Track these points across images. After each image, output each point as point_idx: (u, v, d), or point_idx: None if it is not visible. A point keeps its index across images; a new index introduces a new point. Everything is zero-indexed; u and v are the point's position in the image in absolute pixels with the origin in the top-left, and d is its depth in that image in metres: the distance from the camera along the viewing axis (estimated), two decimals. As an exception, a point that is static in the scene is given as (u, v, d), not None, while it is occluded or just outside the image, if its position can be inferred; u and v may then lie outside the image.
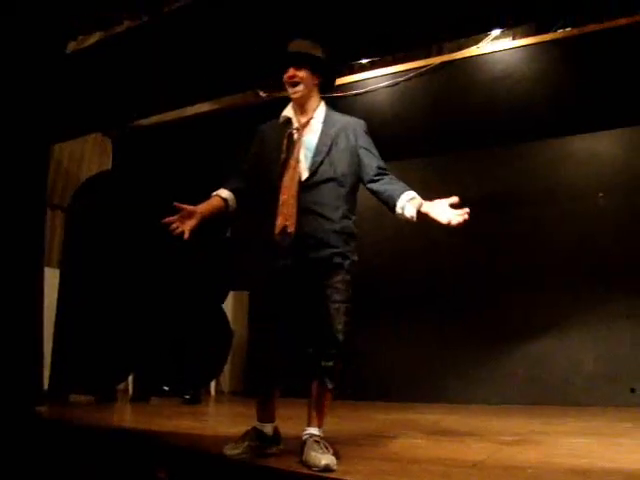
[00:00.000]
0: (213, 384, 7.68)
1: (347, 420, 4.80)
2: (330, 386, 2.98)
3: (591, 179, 6.21)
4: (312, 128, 3.10)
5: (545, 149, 6.29)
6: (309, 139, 3.08)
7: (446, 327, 6.49)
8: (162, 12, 5.18)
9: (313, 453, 2.84)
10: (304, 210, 2.94)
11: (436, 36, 4.54)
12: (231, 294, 7.53)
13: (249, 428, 3.12)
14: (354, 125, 3.15)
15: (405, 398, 6.29)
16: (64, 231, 7.08)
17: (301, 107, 3.13)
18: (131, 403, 6.50)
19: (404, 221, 2.99)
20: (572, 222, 6.18)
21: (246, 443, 3.04)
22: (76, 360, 6.19)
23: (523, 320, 6.22)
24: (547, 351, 6.14)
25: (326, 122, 3.12)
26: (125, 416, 5.54)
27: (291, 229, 2.91)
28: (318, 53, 3.10)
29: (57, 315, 6.33)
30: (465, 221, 2.78)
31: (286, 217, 2.93)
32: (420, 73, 5.82)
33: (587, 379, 5.92)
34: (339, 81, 6.37)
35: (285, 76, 3.09)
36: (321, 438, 2.96)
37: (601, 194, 6.09)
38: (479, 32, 5.32)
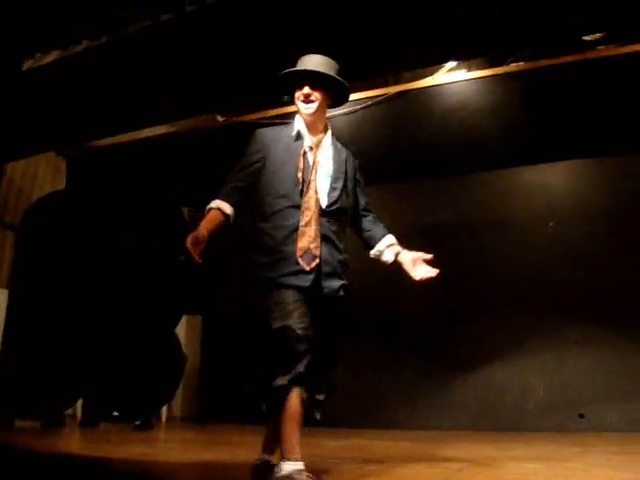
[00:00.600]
0: (165, 410, 7.56)
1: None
2: (318, 418, 2.96)
3: (542, 209, 6.35)
4: (324, 150, 3.07)
5: (497, 179, 6.42)
6: (324, 162, 3.04)
7: (398, 354, 6.51)
8: (122, 33, 5.17)
9: None
10: (322, 237, 2.92)
11: (394, 66, 4.63)
12: (184, 318, 7.45)
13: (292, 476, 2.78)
14: (352, 158, 3.19)
15: (354, 424, 6.27)
16: (14, 250, 6.93)
17: (312, 124, 3.06)
18: (80, 428, 6.36)
19: (376, 260, 3.13)
20: (523, 251, 6.30)
21: None
22: (23, 383, 6.04)
23: (475, 348, 6.28)
24: (499, 378, 6.22)
25: (334, 145, 3.12)
26: (73, 442, 5.40)
27: (316, 252, 2.88)
28: (334, 72, 3.02)
29: (4, 336, 6.18)
30: (430, 279, 2.93)
31: (310, 240, 2.89)
32: (378, 102, 5.91)
33: (538, 405, 6.00)
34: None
35: (299, 93, 3.00)
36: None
37: (551, 224, 6.23)
38: (435, 64, 5.45)
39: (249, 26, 4.58)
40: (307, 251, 2.87)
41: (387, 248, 3.11)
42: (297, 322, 2.79)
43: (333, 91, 3.06)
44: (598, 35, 5.43)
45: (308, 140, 3.03)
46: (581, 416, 5.84)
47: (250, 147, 3.07)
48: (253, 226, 3.01)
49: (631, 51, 5.54)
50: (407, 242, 3.12)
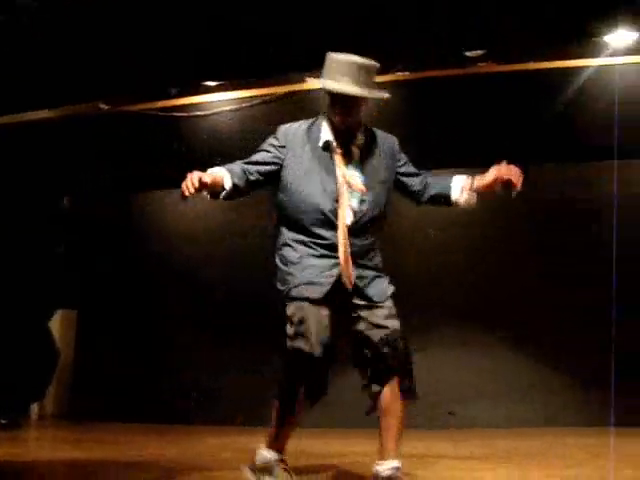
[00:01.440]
0: (35, 407, 7.25)
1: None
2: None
3: (427, 214, 6.49)
4: (355, 157, 2.85)
5: None
6: (354, 174, 2.82)
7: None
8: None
9: None
10: (355, 263, 2.77)
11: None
12: (59, 312, 7.18)
13: (270, 464, 2.81)
14: (391, 144, 2.96)
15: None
16: None
17: (344, 131, 2.84)
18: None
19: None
20: (415, 254, 6.37)
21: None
22: None
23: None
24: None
25: (368, 145, 2.89)
26: None
27: (347, 274, 2.73)
28: (374, 76, 2.80)
29: None
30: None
31: (344, 260, 2.73)
32: (264, 101, 5.93)
33: (411, 403, 6.18)
34: (184, 101, 6.38)
35: (337, 107, 2.76)
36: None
37: (432, 230, 6.39)
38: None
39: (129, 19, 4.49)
40: (349, 271, 2.73)
41: (461, 192, 2.89)
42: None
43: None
44: (479, 52, 5.71)
45: (338, 151, 2.83)
46: (451, 413, 6.09)
47: (271, 142, 2.88)
48: (278, 230, 2.90)
49: (509, 70, 5.88)
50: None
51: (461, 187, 2.89)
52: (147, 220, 7.12)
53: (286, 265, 2.81)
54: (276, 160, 2.85)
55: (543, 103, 5.78)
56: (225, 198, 2.79)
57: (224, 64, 5.72)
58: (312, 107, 5.84)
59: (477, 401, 6.06)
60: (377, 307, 2.78)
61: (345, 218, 2.76)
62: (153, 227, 7.04)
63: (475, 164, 5.90)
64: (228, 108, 6.18)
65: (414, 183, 2.95)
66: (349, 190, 2.77)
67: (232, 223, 6.65)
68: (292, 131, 2.89)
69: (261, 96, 6.04)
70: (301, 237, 2.80)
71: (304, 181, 2.80)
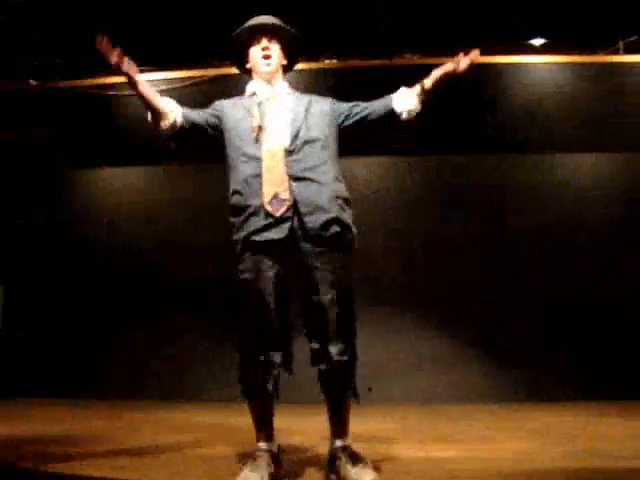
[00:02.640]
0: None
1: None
2: (350, 395, 2.78)
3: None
4: (282, 99, 2.91)
5: None
6: (282, 105, 2.88)
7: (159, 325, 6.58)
8: None
9: (353, 468, 2.58)
10: (294, 178, 2.71)
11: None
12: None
13: (254, 455, 2.69)
14: (322, 98, 3.00)
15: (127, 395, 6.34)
16: None
17: (268, 83, 2.93)
18: None
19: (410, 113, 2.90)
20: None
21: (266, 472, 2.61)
22: None
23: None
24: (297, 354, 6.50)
25: (294, 96, 2.96)
26: None
27: (285, 195, 2.68)
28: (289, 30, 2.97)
29: None
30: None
31: (276, 183, 2.69)
32: (196, 82, 5.99)
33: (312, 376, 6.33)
34: (115, 79, 6.38)
35: (257, 48, 2.91)
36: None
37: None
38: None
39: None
40: (274, 196, 2.69)
41: (405, 101, 2.89)
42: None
43: (288, 48, 2.99)
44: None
45: (264, 94, 2.90)
46: (370, 390, 6.32)
47: (207, 109, 2.93)
48: (228, 190, 2.84)
49: (434, 62, 6.06)
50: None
51: (403, 95, 2.90)
52: (78, 196, 7.09)
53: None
54: (216, 114, 2.89)
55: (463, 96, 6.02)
56: (170, 128, 2.85)
57: (157, 46, 5.78)
58: (241, 90, 5.96)
59: (394, 378, 6.32)
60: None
61: (280, 145, 2.76)
62: (84, 203, 7.01)
63: (392, 152, 6.20)
64: (160, 88, 6.20)
65: (359, 110, 2.93)
66: (278, 121, 2.81)
67: (163, 199, 6.72)
68: (225, 102, 2.96)
69: (193, 77, 6.08)
70: (239, 180, 2.79)
71: (237, 127, 2.83)
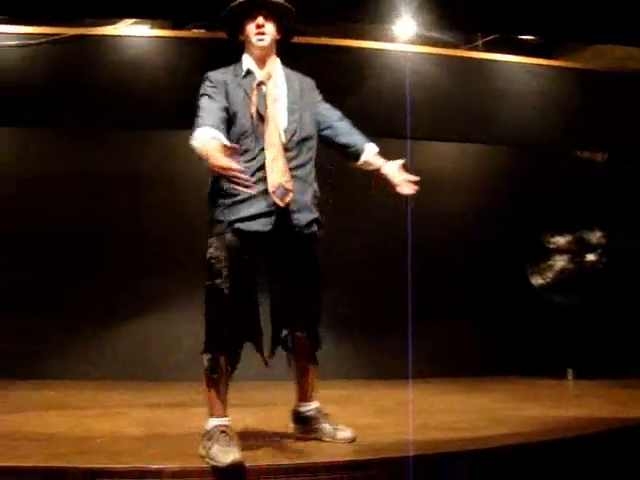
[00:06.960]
0: None
1: None
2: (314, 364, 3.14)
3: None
4: (276, 82, 2.99)
5: (167, 138, 6.19)
6: (278, 93, 2.96)
7: (46, 304, 6.25)
8: None
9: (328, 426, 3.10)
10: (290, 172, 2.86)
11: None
12: None
13: (214, 429, 2.72)
14: (309, 82, 3.12)
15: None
16: None
17: (261, 60, 2.99)
18: None
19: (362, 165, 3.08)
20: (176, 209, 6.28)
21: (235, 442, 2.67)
22: None
23: (129, 301, 6.29)
24: (151, 330, 6.37)
25: (287, 77, 3.04)
26: None
27: (289, 186, 2.80)
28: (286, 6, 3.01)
29: None
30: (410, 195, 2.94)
31: (280, 173, 2.79)
32: (53, 40, 5.64)
33: (185, 357, 6.24)
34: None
35: (252, 24, 2.93)
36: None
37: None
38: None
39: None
40: (279, 186, 2.78)
41: (374, 156, 3.07)
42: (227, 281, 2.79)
43: (283, 23, 3.03)
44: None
45: (259, 75, 2.96)
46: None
47: (210, 90, 2.89)
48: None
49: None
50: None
51: (370, 156, 3.08)
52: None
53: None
54: (224, 105, 2.88)
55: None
56: None
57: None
58: (101, 53, 5.68)
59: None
60: None
61: (280, 136, 2.87)
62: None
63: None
64: (13, 42, 5.78)
65: (332, 115, 3.11)
66: (276, 108, 2.90)
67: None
68: (219, 75, 2.95)
69: (48, 35, 5.70)
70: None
71: (236, 110, 2.88)
